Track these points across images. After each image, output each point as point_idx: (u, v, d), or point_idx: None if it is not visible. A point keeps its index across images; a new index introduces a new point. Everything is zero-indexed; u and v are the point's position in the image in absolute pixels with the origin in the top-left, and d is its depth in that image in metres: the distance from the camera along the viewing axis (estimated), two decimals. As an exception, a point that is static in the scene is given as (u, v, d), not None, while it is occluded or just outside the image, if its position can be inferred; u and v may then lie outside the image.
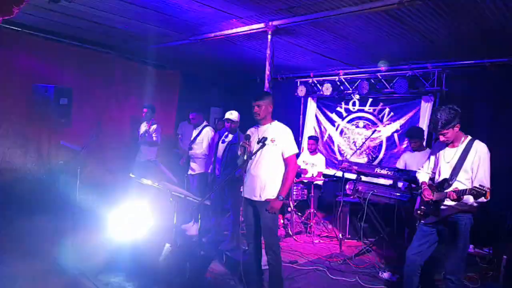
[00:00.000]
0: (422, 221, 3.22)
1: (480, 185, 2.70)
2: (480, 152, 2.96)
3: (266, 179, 3.33)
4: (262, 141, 3.20)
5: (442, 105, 3.08)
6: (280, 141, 3.34)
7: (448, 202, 3.00)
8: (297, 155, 4.22)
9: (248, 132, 3.52)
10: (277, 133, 3.37)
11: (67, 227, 4.80)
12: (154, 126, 6.19)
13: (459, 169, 3.00)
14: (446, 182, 3.05)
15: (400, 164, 5.09)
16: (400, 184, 4.98)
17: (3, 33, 5.56)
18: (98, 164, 6.90)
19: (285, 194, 3.34)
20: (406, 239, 4.83)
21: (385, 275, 4.25)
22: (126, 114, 7.34)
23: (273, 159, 3.35)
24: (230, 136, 4.96)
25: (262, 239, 3.50)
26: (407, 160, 5.00)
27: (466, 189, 2.78)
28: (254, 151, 3.26)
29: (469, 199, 2.85)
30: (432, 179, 3.36)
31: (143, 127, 6.36)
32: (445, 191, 2.99)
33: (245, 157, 3.31)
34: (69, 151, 5.07)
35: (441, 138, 3.06)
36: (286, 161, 3.36)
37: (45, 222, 5.07)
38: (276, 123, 3.46)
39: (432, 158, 3.33)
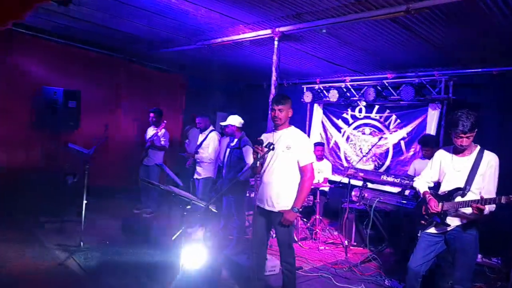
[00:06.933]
0: (429, 230, 3.13)
1: None
2: (492, 162, 2.92)
3: (279, 187, 3.19)
4: (268, 146, 3.06)
5: (460, 110, 2.95)
6: (296, 148, 3.17)
7: (463, 210, 2.92)
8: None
9: (262, 137, 3.37)
10: (292, 140, 3.20)
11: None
12: (163, 131, 6.22)
13: (472, 178, 2.93)
14: (460, 191, 2.97)
15: (410, 171, 5.06)
16: (407, 192, 4.93)
17: (13, 36, 5.66)
18: (105, 167, 6.95)
19: (300, 205, 3.17)
20: (403, 245, 4.78)
21: (391, 283, 4.21)
22: (134, 118, 7.40)
23: (287, 167, 3.19)
24: (235, 141, 4.97)
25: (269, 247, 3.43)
26: (416, 166, 4.97)
27: (500, 197, 2.68)
28: (259, 157, 3.13)
29: (486, 209, 2.76)
30: (433, 188, 3.29)
31: (151, 132, 6.39)
32: (456, 200, 2.93)
33: (257, 163, 3.20)
34: (77, 153, 5.10)
35: (464, 141, 2.92)
36: (302, 170, 3.19)
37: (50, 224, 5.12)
38: (293, 129, 3.30)
39: (435, 167, 3.24)
